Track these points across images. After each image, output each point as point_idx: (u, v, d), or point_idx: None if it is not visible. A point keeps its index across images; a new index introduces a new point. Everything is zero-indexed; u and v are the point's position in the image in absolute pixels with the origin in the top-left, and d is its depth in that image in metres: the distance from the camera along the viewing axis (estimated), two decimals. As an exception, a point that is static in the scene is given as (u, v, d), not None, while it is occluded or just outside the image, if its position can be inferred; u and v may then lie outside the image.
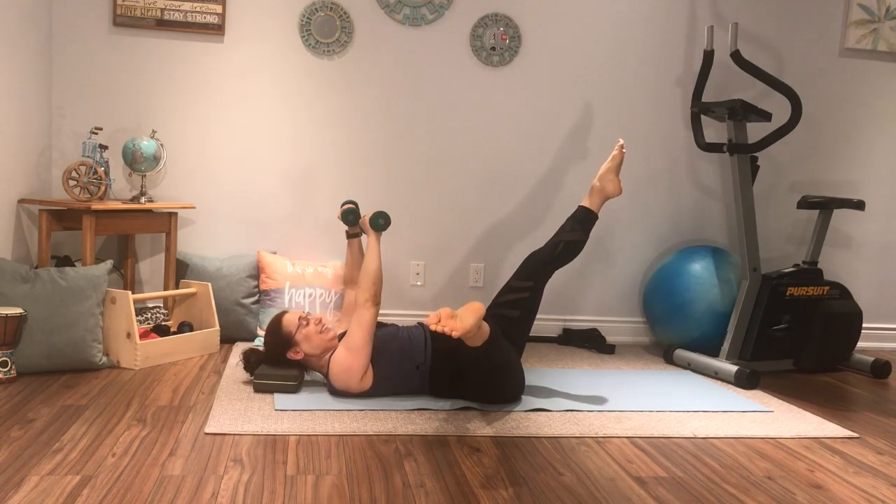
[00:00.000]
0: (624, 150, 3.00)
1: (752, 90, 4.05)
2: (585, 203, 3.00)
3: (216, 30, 3.61)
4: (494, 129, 3.89)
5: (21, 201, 3.23)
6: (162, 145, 3.45)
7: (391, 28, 3.75)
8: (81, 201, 3.15)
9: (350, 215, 3.05)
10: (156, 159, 3.40)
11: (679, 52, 3.99)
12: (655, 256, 4.08)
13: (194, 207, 3.61)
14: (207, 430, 2.32)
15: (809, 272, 3.55)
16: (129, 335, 2.98)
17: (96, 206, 3.10)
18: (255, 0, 3.64)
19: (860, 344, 4.26)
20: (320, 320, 2.79)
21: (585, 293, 4.05)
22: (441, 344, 2.75)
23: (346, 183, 3.80)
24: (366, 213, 3.25)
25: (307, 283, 3.58)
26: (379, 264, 2.78)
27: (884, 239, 4.28)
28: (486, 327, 2.50)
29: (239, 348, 3.41)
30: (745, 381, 3.19)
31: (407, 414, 2.59)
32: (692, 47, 4.00)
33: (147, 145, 3.36)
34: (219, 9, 3.59)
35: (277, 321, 2.81)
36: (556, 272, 3.83)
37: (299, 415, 2.52)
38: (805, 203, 3.59)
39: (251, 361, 2.84)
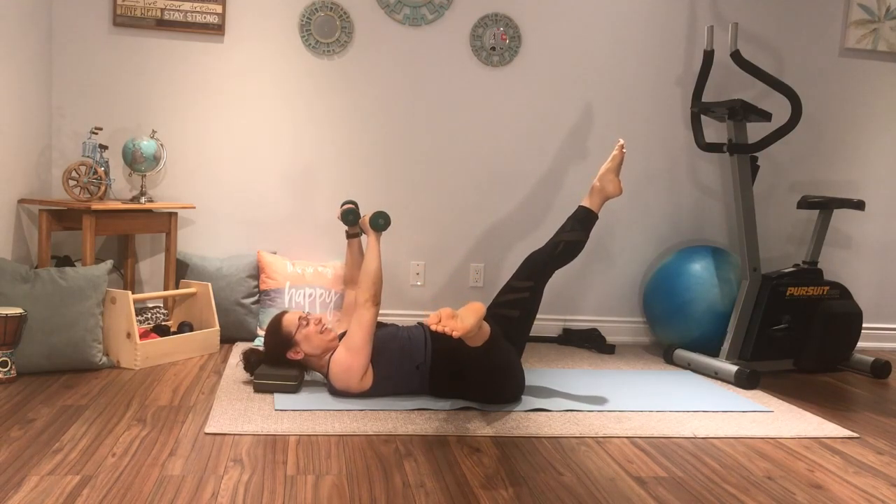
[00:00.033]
0: (624, 150, 3.01)
1: (752, 90, 4.05)
2: (585, 203, 3.00)
3: (216, 30, 3.61)
4: (494, 129, 3.89)
5: (21, 201, 3.23)
6: (162, 145, 3.45)
7: (391, 28, 3.76)
8: (81, 201, 3.15)
9: (350, 215, 3.05)
10: (156, 159, 3.40)
11: (679, 52, 3.99)
12: (655, 256, 4.08)
13: (194, 207, 3.61)
14: (207, 430, 2.32)
15: (809, 272, 3.55)
16: (129, 335, 2.98)
17: (96, 206, 3.10)
18: (255, 0, 3.64)
19: (860, 344, 4.26)
20: (320, 320, 2.79)
21: (585, 293, 4.05)
22: (441, 344, 2.75)
23: (346, 183, 3.80)
24: (366, 213, 3.25)
25: (307, 283, 3.58)
26: (379, 264, 2.78)
27: (884, 239, 4.28)
28: (486, 327, 2.50)
29: (239, 348, 3.41)
30: (745, 381, 3.19)
31: (407, 414, 2.59)
32: (692, 47, 4.00)
33: (147, 145, 3.36)
34: (219, 9, 3.59)
35: (277, 321, 2.81)
36: (556, 272, 3.83)
37: (299, 415, 2.52)
38: (805, 203, 3.59)
39: (251, 361, 2.84)
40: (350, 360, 2.66)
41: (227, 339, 3.51)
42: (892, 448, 2.55)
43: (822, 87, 4.14)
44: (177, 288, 3.51)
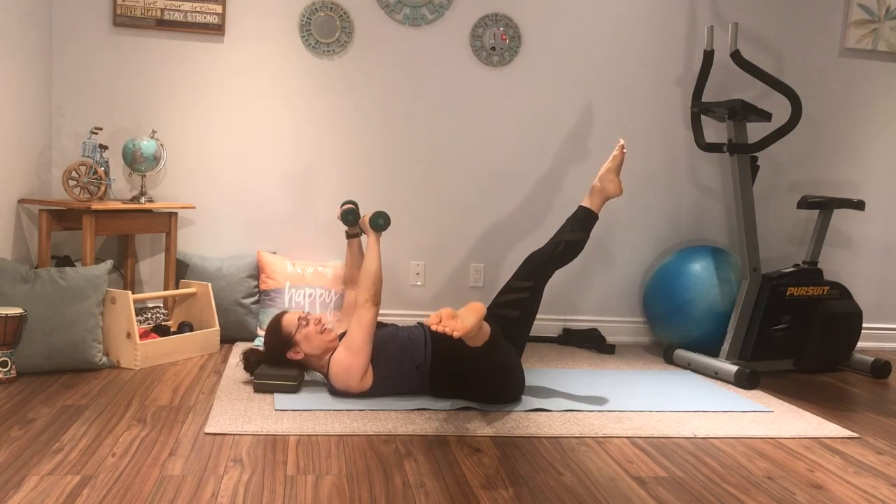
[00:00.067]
0: (624, 151, 3.01)
1: (752, 90, 4.05)
2: (586, 203, 3.00)
3: (216, 30, 3.61)
4: (494, 130, 3.89)
5: (21, 201, 3.23)
6: (162, 145, 3.45)
7: (391, 28, 3.75)
8: (81, 201, 3.15)
9: (350, 215, 3.05)
10: (156, 159, 3.40)
11: (679, 52, 3.99)
12: (655, 256, 4.08)
13: (194, 207, 3.61)
14: (207, 430, 2.32)
15: (809, 272, 3.55)
16: (129, 335, 2.98)
17: (96, 206, 3.10)
18: (255, 0, 3.64)
19: (860, 344, 4.26)
20: (320, 320, 2.79)
21: (585, 293, 4.05)
22: (441, 344, 2.75)
23: (346, 183, 3.80)
24: (366, 213, 3.25)
25: (307, 283, 3.58)
26: (379, 264, 2.78)
27: (884, 239, 4.28)
28: (486, 328, 2.50)
29: (239, 348, 3.41)
30: (745, 381, 3.19)
31: (407, 414, 2.59)
32: (692, 47, 4.00)
33: (147, 145, 3.36)
34: (219, 9, 3.59)
35: (277, 321, 2.81)
36: (556, 272, 3.83)
37: (299, 415, 2.52)
38: (805, 203, 3.59)
39: (251, 361, 2.84)
40: (350, 360, 2.66)
41: (227, 339, 3.51)
42: (892, 448, 2.55)
43: (822, 87, 4.14)
44: (177, 288, 3.51)
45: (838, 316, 3.52)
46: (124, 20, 3.54)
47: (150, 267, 3.68)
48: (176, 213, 3.51)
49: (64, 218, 3.24)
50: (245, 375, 2.97)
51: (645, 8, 3.94)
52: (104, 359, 2.95)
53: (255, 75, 3.68)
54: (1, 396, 2.55)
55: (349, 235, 3.13)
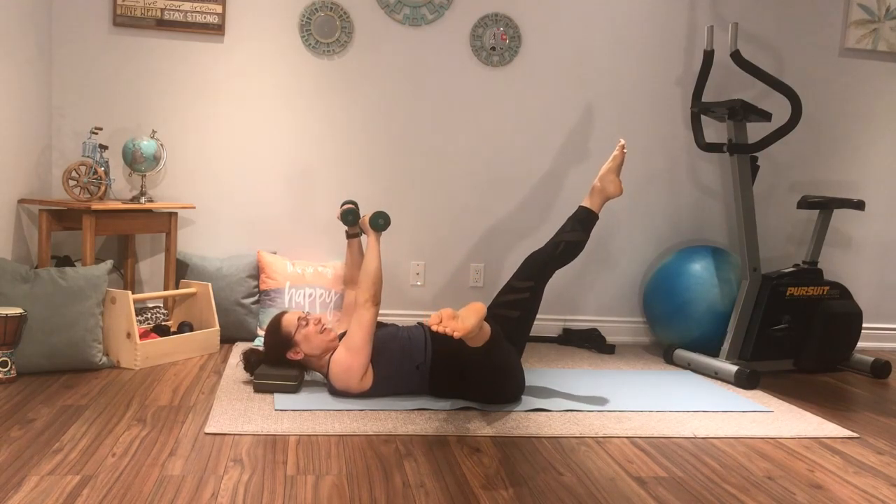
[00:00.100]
0: (625, 151, 3.01)
1: (752, 90, 4.05)
2: (586, 203, 3.00)
3: (216, 30, 3.61)
4: (494, 130, 3.88)
5: (21, 201, 3.23)
6: (162, 145, 3.45)
7: (391, 28, 3.75)
8: (81, 201, 3.15)
9: (350, 215, 3.05)
10: (156, 159, 3.40)
11: (679, 52, 3.99)
12: (655, 256, 4.08)
13: (194, 207, 3.61)
14: (207, 430, 2.32)
15: (809, 272, 3.55)
16: (129, 335, 2.98)
17: (96, 206, 3.10)
18: (255, 0, 3.64)
19: (860, 344, 4.26)
20: (320, 320, 2.79)
21: (585, 293, 4.05)
22: (441, 344, 2.75)
23: (346, 183, 3.80)
24: (366, 213, 3.25)
25: (307, 283, 3.58)
26: (379, 264, 2.78)
27: (884, 239, 4.28)
28: (487, 328, 2.50)
29: (239, 348, 3.41)
30: (745, 381, 3.19)
31: (407, 414, 2.59)
32: (692, 47, 4.00)
33: (147, 145, 3.36)
34: (219, 9, 3.59)
35: (277, 321, 2.81)
36: (556, 272, 3.83)
37: (299, 415, 2.52)
38: (805, 203, 3.59)
39: (251, 361, 2.84)
40: (350, 360, 2.66)
41: (227, 339, 3.51)
42: (892, 448, 2.55)
43: (822, 87, 4.14)
44: (177, 288, 3.51)
45: (838, 316, 3.52)
46: (124, 20, 3.54)
47: (150, 267, 3.68)
48: (176, 213, 3.51)
49: (64, 218, 3.24)
50: (245, 375, 2.97)
51: (645, 8, 3.94)
52: (104, 359, 2.95)
53: (255, 75, 3.68)
54: (1, 396, 2.55)
55: (349, 235, 3.13)
